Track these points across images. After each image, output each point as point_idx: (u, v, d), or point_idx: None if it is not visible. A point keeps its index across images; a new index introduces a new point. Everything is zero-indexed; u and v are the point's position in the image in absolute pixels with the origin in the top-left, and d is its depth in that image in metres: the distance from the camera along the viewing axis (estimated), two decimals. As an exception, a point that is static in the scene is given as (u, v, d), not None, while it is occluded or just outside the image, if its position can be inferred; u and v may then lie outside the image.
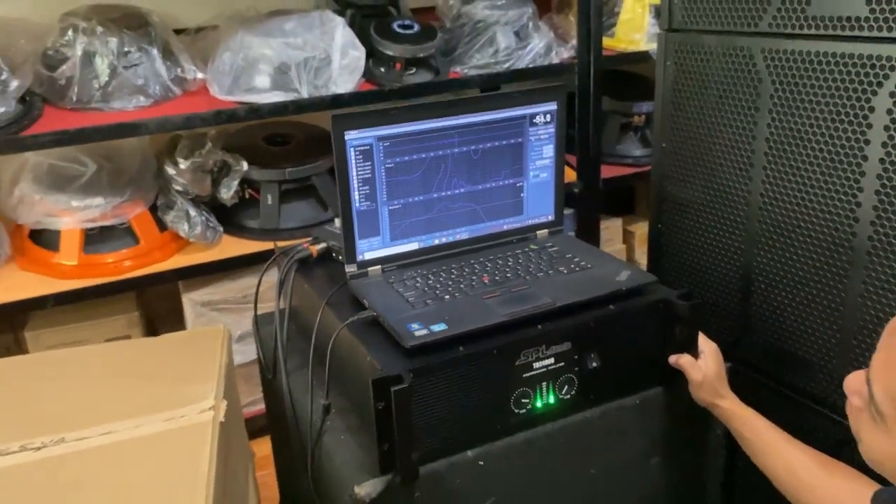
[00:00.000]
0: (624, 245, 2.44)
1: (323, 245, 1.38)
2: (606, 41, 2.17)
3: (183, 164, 1.89)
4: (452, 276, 1.21)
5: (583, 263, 1.24)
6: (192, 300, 1.91)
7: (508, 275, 1.22)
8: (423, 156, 1.22)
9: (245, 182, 1.99)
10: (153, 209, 1.94)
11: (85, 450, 1.17)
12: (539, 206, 1.34)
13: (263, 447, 1.76)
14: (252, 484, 1.55)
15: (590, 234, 2.22)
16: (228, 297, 1.94)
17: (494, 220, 1.31)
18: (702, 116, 1.32)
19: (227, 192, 1.96)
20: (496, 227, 1.32)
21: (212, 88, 1.87)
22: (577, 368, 1.14)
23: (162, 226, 1.93)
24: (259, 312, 1.49)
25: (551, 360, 1.12)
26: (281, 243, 1.94)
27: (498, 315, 1.10)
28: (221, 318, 1.92)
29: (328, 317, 1.20)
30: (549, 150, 1.31)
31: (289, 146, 2.05)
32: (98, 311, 1.95)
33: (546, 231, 1.35)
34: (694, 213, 1.35)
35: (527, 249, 1.30)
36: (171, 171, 1.91)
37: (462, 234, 1.30)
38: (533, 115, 1.29)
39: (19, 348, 2.00)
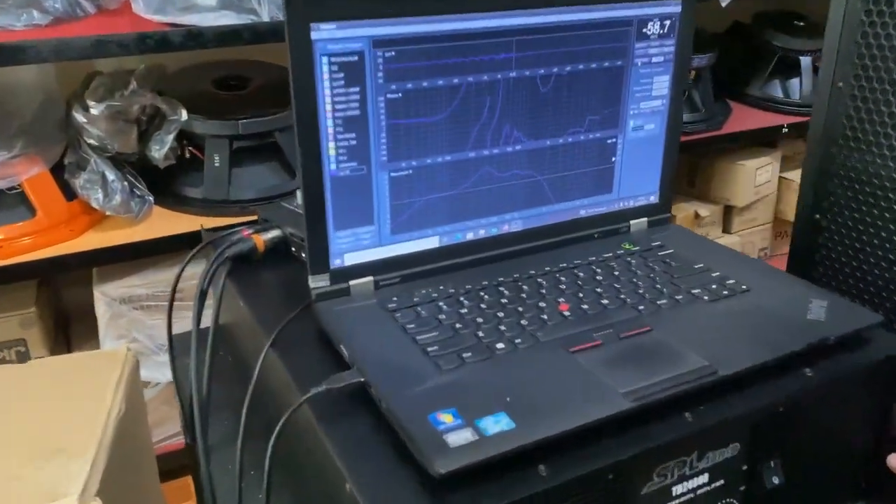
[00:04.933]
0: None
1: (275, 233, 0.77)
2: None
3: (95, 109, 1.26)
4: (503, 302, 0.62)
5: (731, 282, 0.65)
6: (106, 295, 1.28)
7: (605, 301, 0.62)
8: (455, 81, 0.62)
9: (185, 137, 1.36)
10: (58, 170, 1.30)
11: None
12: (637, 178, 0.74)
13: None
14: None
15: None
16: (158, 290, 1.31)
17: (567, 200, 0.71)
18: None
19: (160, 150, 1.32)
20: (569, 213, 0.72)
21: (136, 5, 1.24)
22: (744, 488, 0.56)
23: (69, 193, 1.30)
24: (178, 330, 0.89)
25: (704, 478, 0.54)
26: (229, 220, 1.32)
27: (614, 397, 0.51)
28: (146, 318, 1.30)
29: (275, 374, 0.61)
30: (662, 85, 0.72)
31: (244, 91, 1.42)
32: (-19, 307, 1.32)
33: (644, 221, 0.76)
34: (888, 200, 0.76)
35: (620, 253, 0.70)
36: (80, 117, 1.27)
37: (514, 223, 0.70)
38: (643, 22, 0.69)
39: None
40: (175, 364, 0.84)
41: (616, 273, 0.65)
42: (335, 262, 0.62)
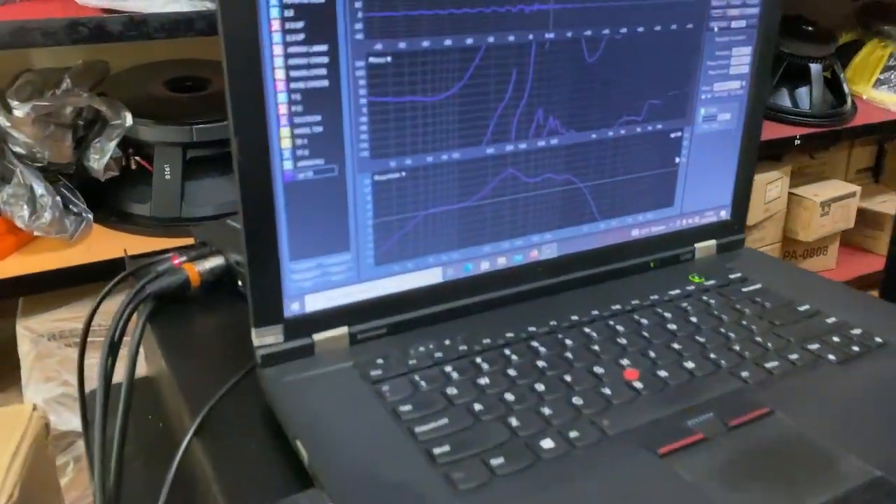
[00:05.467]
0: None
1: (216, 261, 0.56)
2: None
3: (19, 110, 1.03)
4: (540, 367, 0.41)
5: (856, 332, 0.45)
6: (31, 330, 1.05)
7: (689, 364, 0.41)
8: (470, 42, 0.41)
9: (130, 145, 1.14)
10: (-23, 183, 1.08)
11: None
12: (706, 186, 0.54)
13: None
14: None
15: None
16: (95, 323, 1.09)
17: (616, 216, 0.50)
18: None
19: (100, 160, 1.10)
20: (618, 234, 0.51)
21: (69, -14, 1.03)
22: None
23: (-9, 209, 1.08)
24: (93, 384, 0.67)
25: None
26: (181, 241, 1.11)
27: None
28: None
29: (201, 480, 0.40)
30: (741, 59, 0.52)
31: (201, 93, 1.20)
32: None
33: (712, 244, 0.56)
34: None
35: (691, 289, 0.50)
36: (2, 120, 1.05)
37: (547, 247, 0.49)
38: (723, -30, 0.49)
39: None
40: (88, 432, 0.63)
41: (693, 319, 0.45)
42: (291, 308, 0.41)
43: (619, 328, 0.43)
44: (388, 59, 0.39)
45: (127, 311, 0.51)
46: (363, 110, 0.39)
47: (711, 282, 0.49)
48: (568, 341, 0.42)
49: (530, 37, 0.42)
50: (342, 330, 0.42)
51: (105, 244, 1.10)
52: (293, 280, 0.40)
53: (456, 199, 0.43)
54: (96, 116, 1.11)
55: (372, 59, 0.38)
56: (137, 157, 1.14)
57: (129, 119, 1.09)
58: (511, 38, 0.41)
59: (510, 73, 0.42)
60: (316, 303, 0.41)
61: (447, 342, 0.42)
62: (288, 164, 0.38)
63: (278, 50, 0.36)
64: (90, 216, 1.11)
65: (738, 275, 0.50)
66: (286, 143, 0.38)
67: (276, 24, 0.36)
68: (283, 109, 0.37)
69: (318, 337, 0.41)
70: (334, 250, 0.41)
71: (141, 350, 0.51)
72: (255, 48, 0.36)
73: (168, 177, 1.12)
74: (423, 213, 0.43)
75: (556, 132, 0.45)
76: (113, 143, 1.10)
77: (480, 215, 0.44)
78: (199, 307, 0.53)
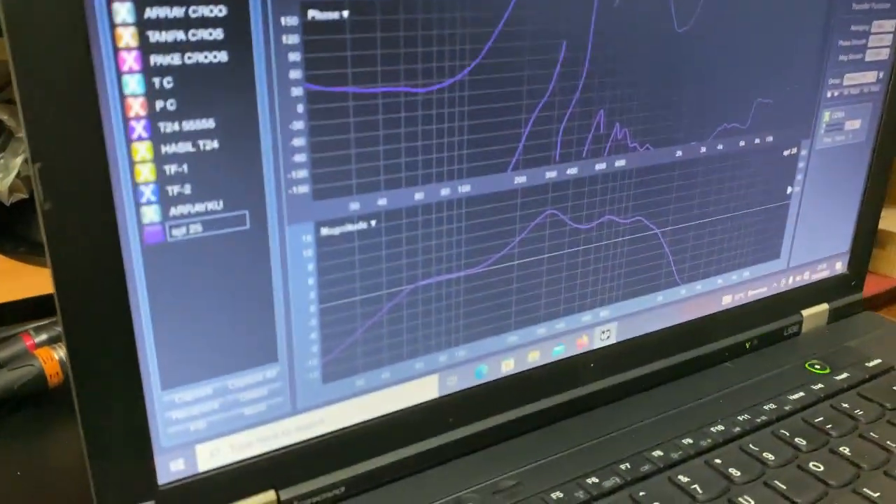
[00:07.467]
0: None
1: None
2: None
3: None
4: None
5: None
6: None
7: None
8: None
9: (43, 161, 0.94)
10: None
11: None
12: (820, 228, 0.37)
13: None
14: None
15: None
16: (-3, 379, 0.88)
17: (704, 276, 0.33)
18: None
19: (3, 180, 0.90)
20: (707, 304, 0.33)
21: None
22: None
23: None
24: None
25: None
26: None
27: None
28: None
29: None
30: (881, 40, 0.35)
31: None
32: None
33: (823, 309, 0.39)
34: None
35: (818, 389, 0.32)
36: None
37: (603, 329, 0.30)
38: None
39: None
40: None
41: (844, 450, 0.27)
42: (170, 469, 0.22)
43: (734, 472, 0.25)
44: (344, 13, 0.20)
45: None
46: (298, 109, 0.20)
47: (843, 374, 0.32)
48: (651, 495, 0.24)
49: (591, -15, 0.24)
50: (266, 496, 0.23)
51: (13, 281, 0.89)
52: (171, 422, 0.21)
53: (462, 263, 0.25)
54: None
55: (313, 14, 0.20)
56: (51, 176, 0.94)
57: (40, 130, 0.88)
58: (560, -13, 0.23)
59: (557, 47, 0.24)
60: (216, 456, 0.22)
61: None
62: (150, 214, 0.19)
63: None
64: (-7, 247, 0.90)
65: (878, 361, 0.33)
66: (145, 174, 0.19)
67: (112, -66, 0.17)
68: (135, 107, 0.18)
69: (221, 518, 0.22)
70: (248, 364, 0.22)
71: None
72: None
73: (88, 199, 0.92)
74: (408, 287, 0.24)
75: (625, 148, 0.27)
76: (19, 160, 0.90)
77: (501, 287, 0.26)
78: (59, 416, 0.34)
